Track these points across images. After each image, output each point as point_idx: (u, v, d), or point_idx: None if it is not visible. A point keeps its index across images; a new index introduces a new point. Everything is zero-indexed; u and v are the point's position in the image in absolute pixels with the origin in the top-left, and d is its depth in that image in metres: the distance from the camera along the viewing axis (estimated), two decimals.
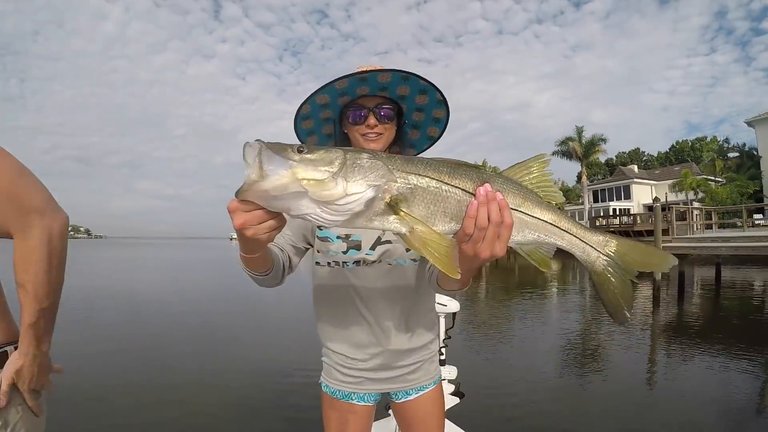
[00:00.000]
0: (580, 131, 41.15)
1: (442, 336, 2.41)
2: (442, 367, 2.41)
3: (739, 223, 17.75)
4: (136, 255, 46.25)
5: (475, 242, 0.75)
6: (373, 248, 1.24)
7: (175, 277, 22.74)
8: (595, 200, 43.88)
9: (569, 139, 41.28)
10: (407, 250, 1.24)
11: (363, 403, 1.31)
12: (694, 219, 15.99)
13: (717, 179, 35.24)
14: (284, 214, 0.75)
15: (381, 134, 1.22)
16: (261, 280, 1.09)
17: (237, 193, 0.69)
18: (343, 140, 1.31)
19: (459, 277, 0.73)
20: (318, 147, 0.72)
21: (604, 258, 0.81)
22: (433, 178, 0.73)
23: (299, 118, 1.24)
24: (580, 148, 40.41)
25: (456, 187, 0.74)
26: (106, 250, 65.79)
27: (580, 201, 45.83)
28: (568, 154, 41.72)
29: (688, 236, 12.78)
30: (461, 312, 2.43)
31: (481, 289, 12.63)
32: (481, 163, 54.50)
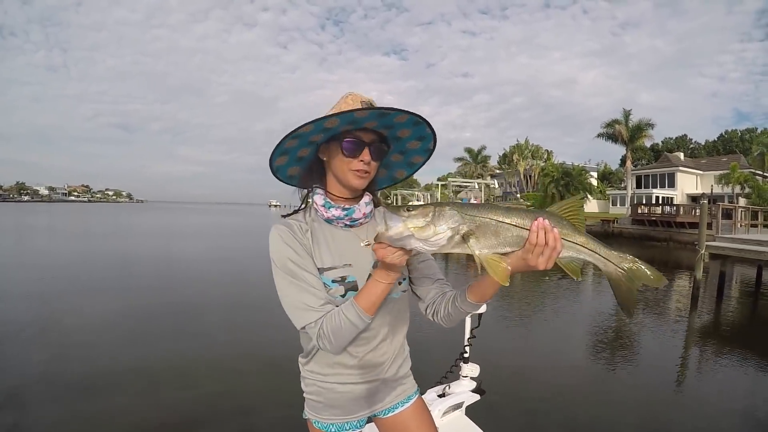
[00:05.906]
0: (627, 114, 40.55)
1: (467, 335, 2.48)
2: (465, 365, 2.52)
3: None
4: (178, 220, 48.56)
5: (536, 256, 0.97)
6: None
7: (213, 241, 24.01)
8: (638, 186, 43.60)
9: (615, 121, 40.80)
10: (399, 283, 1.29)
11: (357, 430, 1.36)
12: (740, 218, 16.13)
13: (765, 174, 34.45)
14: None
15: (368, 173, 1.21)
16: (364, 324, 1.17)
17: (375, 239, 1.00)
18: (317, 166, 1.28)
19: (507, 284, 0.98)
20: (417, 204, 1.02)
21: (619, 270, 1.03)
22: (492, 218, 0.98)
23: (288, 137, 1.13)
24: (626, 132, 39.96)
25: (510, 224, 0.98)
26: (146, 213, 68.91)
27: (623, 185, 45.52)
28: (613, 137, 41.34)
29: (732, 236, 12.95)
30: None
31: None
32: (523, 141, 54.31)
